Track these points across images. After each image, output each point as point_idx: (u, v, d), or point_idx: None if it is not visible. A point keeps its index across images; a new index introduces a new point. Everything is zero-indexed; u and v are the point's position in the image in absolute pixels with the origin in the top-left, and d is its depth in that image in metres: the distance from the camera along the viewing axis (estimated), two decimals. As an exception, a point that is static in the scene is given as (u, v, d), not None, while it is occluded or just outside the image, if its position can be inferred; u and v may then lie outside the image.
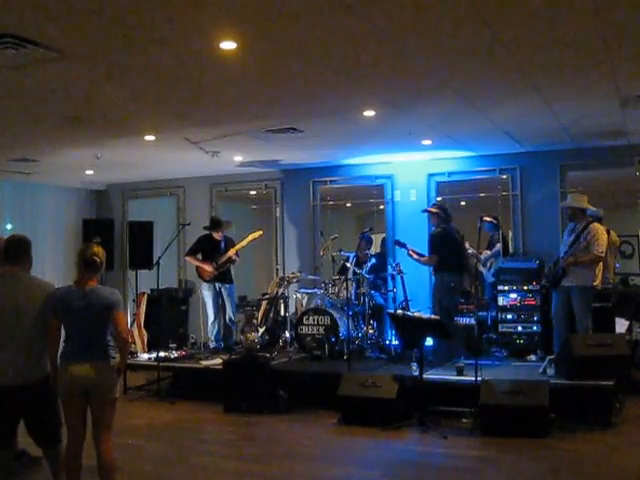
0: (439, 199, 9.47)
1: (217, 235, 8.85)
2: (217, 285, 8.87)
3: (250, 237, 8.87)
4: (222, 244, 8.84)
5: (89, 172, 10.17)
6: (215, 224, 8.94)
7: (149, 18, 4.13)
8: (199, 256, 8.93)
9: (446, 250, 7.98)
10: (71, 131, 7.24)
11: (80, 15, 4.03)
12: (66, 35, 4.37)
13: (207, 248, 8.90)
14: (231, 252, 8.73)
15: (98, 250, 4.35)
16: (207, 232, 8.98)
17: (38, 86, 5.57)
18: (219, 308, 8.94)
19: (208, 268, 8.75)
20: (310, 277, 9.67)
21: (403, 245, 8.49)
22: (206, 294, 8.99)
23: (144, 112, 6.62)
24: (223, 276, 8.85)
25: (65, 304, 4.27)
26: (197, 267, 8.96)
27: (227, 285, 8.90)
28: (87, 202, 11.72)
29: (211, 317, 8.99)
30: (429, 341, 7.50)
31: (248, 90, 5.91)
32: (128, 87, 5.71)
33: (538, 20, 4.34)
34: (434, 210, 8.25)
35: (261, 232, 9.01)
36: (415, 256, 8.38)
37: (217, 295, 8.91)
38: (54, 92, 5.76)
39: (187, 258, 9.11)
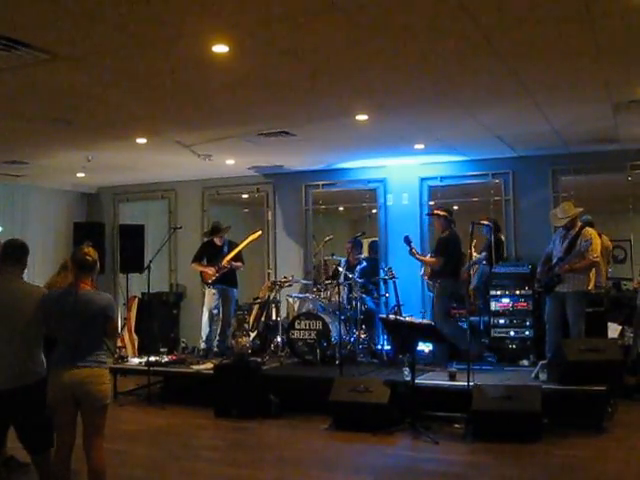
0: (432, 203, 9.48)
1: (218, 240, 8.89)
2: (220, 287, 8.87)
3: (250, 238, 8.89)
4: (225, 248, 8.87)
5: (80, 175, 10.12)
6: (213, 230, 9.01)
7: (142, 21, 4.10)
8: (204, 262, 8.96)
9: (453, 255, 7.80)
10: (62, 133, 7.20)
11: (72, 17, 4.00)
12: (58, 37, 4.34)
13: (210, 254, 8.94)
14: (232, 254, 8.73)
15: (89, 250, 4.30)
16: (208, 239, 9.05)
17: (29, 88, 5.53)
18: (219, 311, 8.92)
19: (209, 271, 8.76)
20: (302, 281, 9.65)
21: (409, 242, 8.13)
22: (207, 293, 9.03)
23: (136, 115, 6.58)
24: (227, 279, 8.86)
25: (57, 307, 4.22)
26: (200, 272, 8.98)
27: (230, 288, 8.92)
28: (78, 205, 11.65)
29: (204, 318, 8.97)
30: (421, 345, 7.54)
31: (240, 93, 5.89)
32: (120, 90, 5.68)
33: (531, 25, 4.34)
34: (441, 213, 8.01)
35: (260, 232, 9.05)
36: (418, 255, 8.16)
37: (218, 298, 8.90)
38: (45, 94, 5.73)
39: (192, 265, 9.10)
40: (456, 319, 8.29)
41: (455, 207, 9.75)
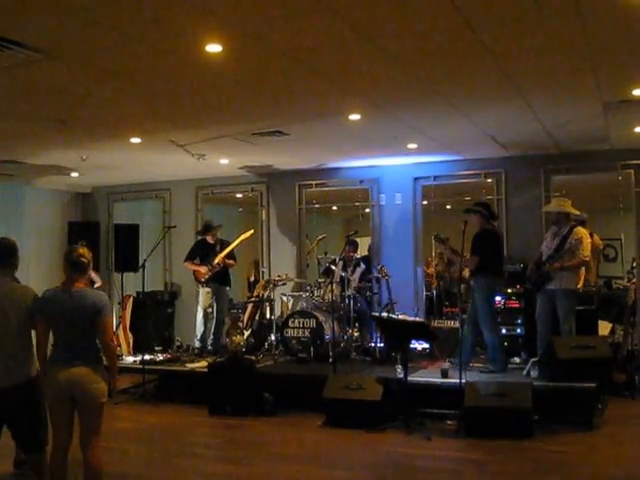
0: (425, 203, 9.54)
1: (211, 239, 8.93)
2: (213, 286, 8.89)
3: (242, 237, 8.94)
4: (217, 247, 8.91)
5: (74, 174, 10.12)
6: (205, 228, 9.06)
7: (135, 20, 4.12)
8: (197, 261, 9.00)
9: (489, 252, 7.39)
10: (57, 133, 7.21)
11: (66, 17, 4.02)
12: (52, 36, 4.35)
13: (203, 252, 8.98)
14: (224, 253, 8.76)
15: (84, 251, 4.30)
16: (201, 237, 9.10)
17: (23, 88, 5.54)
18: (213, 310, 8.95)
19: (202, 270, 8.79)
20: (296, 280, 9.68)
21: (443, 241, 7.73)
22: (201, 292, 9.08)
23: (130, 114, 6.60)
24: (220, 278, 8.89)
25: (52, 306, 4.23)
26: (193, 271, 9.01)
27: (223, 286, 8.95)
28: (72, 205, 11.64)
29: (199, 317, 9.01)
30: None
31: (234, 93, 5.92)
32: (114, 89, 5.69)
33: (522, 25, 4.38)
34: (476, 209, 7.54)
35: (252, 231, 9.08)
36: (454, 256, 7.51)
37: (211, 297, 8.92)
38: (40, 94, 5.74)
39: (185, 264, 9.14)
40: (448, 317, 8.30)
41: (448, 206, 9.83)
